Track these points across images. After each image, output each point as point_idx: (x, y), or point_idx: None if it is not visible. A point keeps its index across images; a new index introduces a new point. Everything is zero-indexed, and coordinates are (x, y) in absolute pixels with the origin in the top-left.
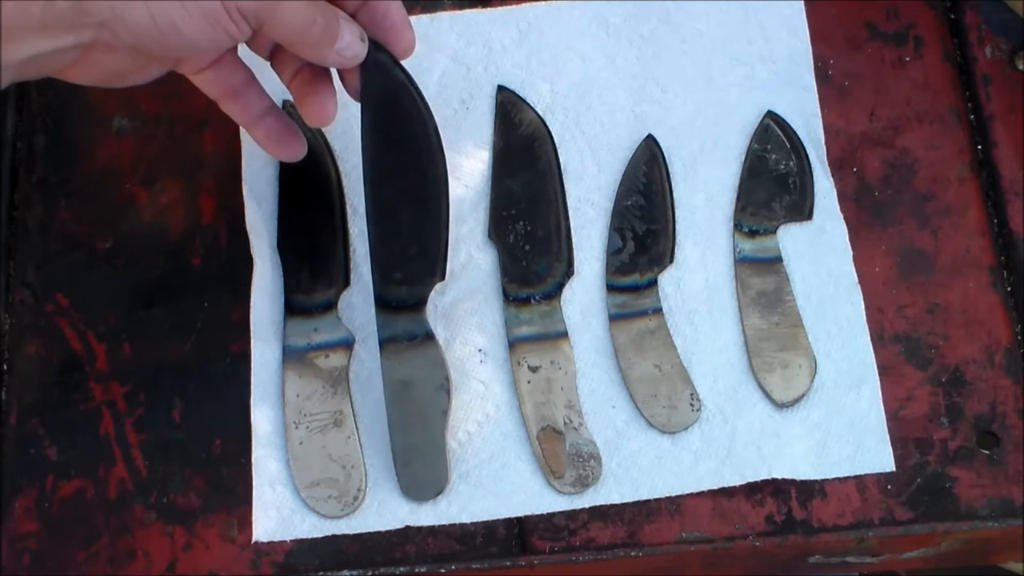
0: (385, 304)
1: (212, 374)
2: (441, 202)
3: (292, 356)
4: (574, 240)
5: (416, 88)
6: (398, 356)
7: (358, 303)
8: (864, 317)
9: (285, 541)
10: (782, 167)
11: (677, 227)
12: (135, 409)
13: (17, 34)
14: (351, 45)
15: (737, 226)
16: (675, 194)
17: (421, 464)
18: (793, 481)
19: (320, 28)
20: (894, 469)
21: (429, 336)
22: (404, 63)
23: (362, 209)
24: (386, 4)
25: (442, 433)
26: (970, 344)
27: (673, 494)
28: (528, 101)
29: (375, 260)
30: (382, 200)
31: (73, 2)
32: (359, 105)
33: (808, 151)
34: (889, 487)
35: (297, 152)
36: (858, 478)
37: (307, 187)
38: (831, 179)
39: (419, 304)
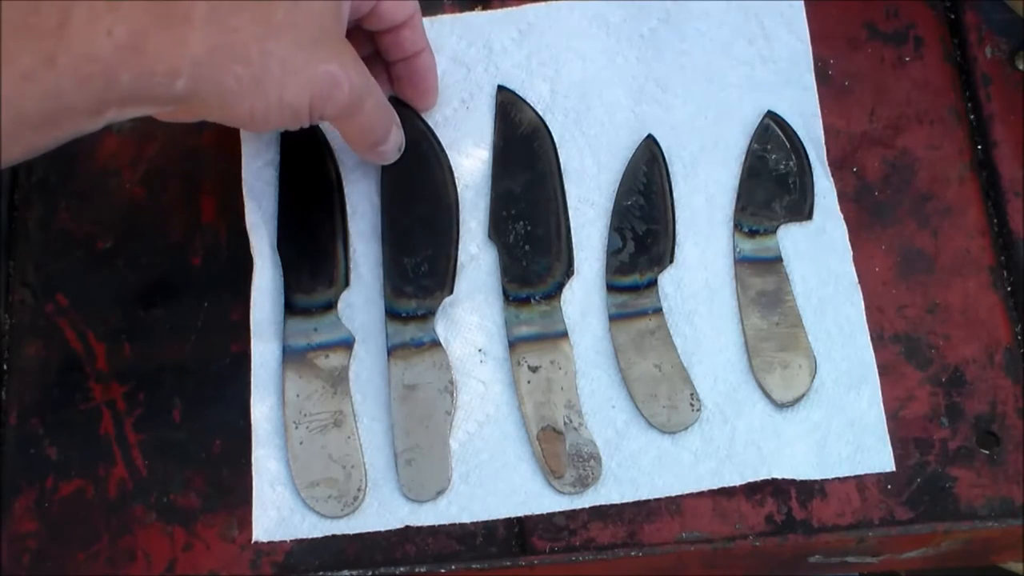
0: (395, 315)
1: (212, 374)
2: (452, 226)
3: (292, 356)
4: (574, 240)
5: (433, 134)
6: (405, 361)
7: (358, 303)
8: (864, 317)
9: (285, 541)
10: (782, 167)
11: (677, 227)
12: (135, 409)
13: (104, 108)
14: (388, 152)
15: (737, 226)
16: (675, 194)
17: (423, 464)
18: (793, 481)
19: (379, 136)
20: (894, 469)
21: (435, 343)
22: None
23: (362, 209)
24: (424, 68)
25: (445, 434)
26: (970, 344)
27: (673, 494)
28: (528, 101)
29: (387, 275)
30: (396, 224)
31: (185, 86)
32: None
33: (808, 151)
34: (889, 487)
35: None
36: (858, 478)
37: (307, 187)
38: (831, 179)
39: (428, 315)
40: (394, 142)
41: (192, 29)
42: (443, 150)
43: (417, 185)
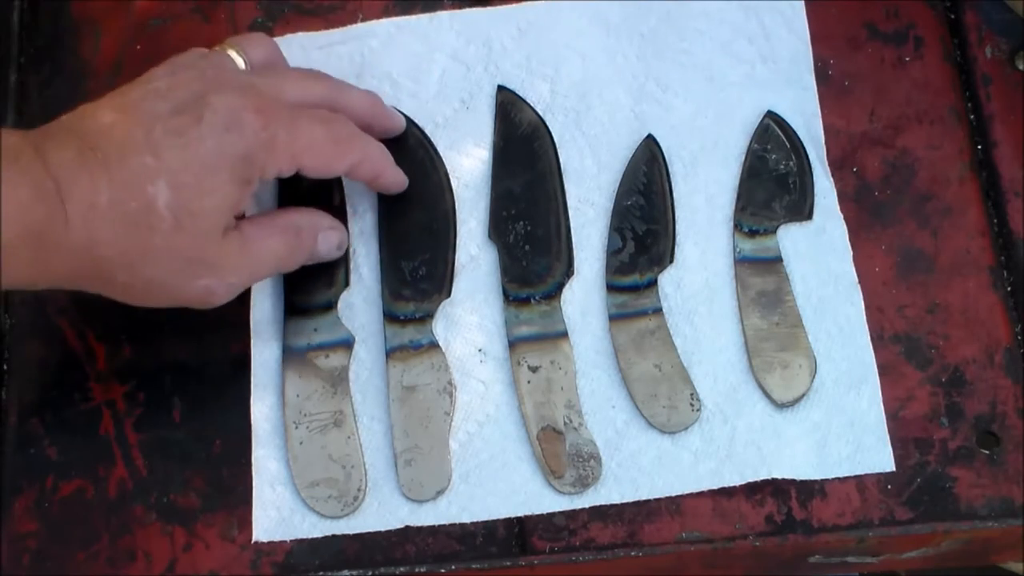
0: (393, 318)
1: (212, 374)
2: (449, 231)
3: (292, 356)
4: (574, 240)
5: (430, 141)
6: (403, 363)
7: (358, 303)
8: (864, 317)
9: (285, 541)
10: (782, 167)
11: (677, 227)
12: (135, 409)
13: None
14: (328, 253)
15: (737, 226)
16: (675, 194)
17: (423, 464)
18: (793, 481)
19: (297, 256)
20: (894, 469)
21: (434, 345)
22: (403, 63)
23: (362, 209)
24: (387, 184)
25: (445, 434)
26: (970, 344)
27: (673, 494)
28: (528, 101)
29: (385, 279)
30: (394, 228)
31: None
32: None
33: (808, 151)
34: (889, 487)
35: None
36: (858, 478)
37: (307, 187)
38: (831, 179)
39: (426, 318)
40: (324, 248)
41: (57, 255)
42: (439, 156)
43: (414, 191)
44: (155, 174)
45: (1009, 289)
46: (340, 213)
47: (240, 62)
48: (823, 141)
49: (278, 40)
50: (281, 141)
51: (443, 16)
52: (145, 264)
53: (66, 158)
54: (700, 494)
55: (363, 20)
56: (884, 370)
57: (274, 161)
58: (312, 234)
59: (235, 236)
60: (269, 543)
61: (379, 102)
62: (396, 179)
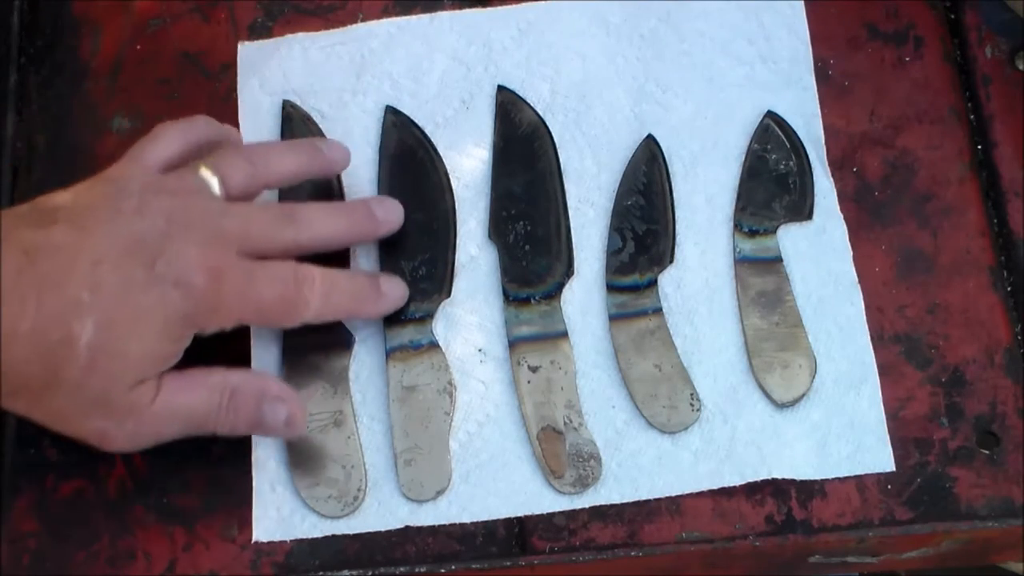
0: (393, 317)
1: None
2: (449, 231)
3: (292, 356)
4: (574, 240)
5: (430, 141)
6: (403, 363)
7: None
8: (864, 317)
9: (285, 541)
10: (782, 167)
11: (677, 227)
12: None
13: None
14: (275, 427)
15: (737, 226)
16: (675, 194)
17: (423, 464)
18: (793, 481)
19: (223, 420)
20: (894, 469)
21: (434, 344)
22: (403, 63)
23: None
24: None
25: (445, 434)
26: (970, 344)
27: (673, 494)
28: (528, 101)
29: None
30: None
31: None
32: (362, 108)
33: (808, 151)
34: (889, 487)
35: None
36: (858, 478)
37: (306, 188)
38: (831, 179)
39: (426, 318)
40: (271, 418)
41: None
42: (439, 156)
43: (414, 191)
44: (86, 311)
45: (1009, 289)
46: None
47: (215, 187)
48: (823, 141)
49: (278, 40)
50: (227, 305)
51: (443, 16)
52: (48, 396)
53: (6, 271)
54: (700, 494)
55: (363, 20)
56: (884, 370)
57: (216, 322)
58: (252, 401)
59: (149, 387)
60: (269, 543)
61: (355, 219)
62: (380, 310)
